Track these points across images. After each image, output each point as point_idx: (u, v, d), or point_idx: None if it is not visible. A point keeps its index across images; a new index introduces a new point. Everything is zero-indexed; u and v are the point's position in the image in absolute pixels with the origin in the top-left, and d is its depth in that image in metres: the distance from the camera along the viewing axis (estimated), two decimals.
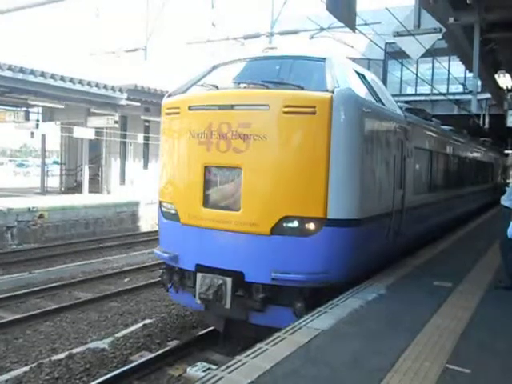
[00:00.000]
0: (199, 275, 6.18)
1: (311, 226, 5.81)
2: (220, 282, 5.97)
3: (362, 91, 6.66)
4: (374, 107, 6.78)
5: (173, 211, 6.63)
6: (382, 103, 7.37)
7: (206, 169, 6.24)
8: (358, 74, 7.21)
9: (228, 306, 5.97)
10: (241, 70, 7.05)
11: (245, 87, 6.36)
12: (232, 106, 6.10)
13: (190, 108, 6.43)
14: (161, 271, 7.05)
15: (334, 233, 5.82)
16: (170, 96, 7.06)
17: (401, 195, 7.74)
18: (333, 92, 5.84)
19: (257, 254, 5.91)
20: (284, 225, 5.81)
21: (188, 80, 7.18)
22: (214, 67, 7.27)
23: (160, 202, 6.99)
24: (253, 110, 6.01)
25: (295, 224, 5.83)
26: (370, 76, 7.80)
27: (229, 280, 5.95)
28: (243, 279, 5.95)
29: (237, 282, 5.96)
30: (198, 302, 6.20)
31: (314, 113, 5.76)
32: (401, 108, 8.63)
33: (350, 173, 5.95)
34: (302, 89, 6.00)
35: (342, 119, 5.82)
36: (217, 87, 6.55)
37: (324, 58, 6.59)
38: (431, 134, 10.61)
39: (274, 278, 5.77)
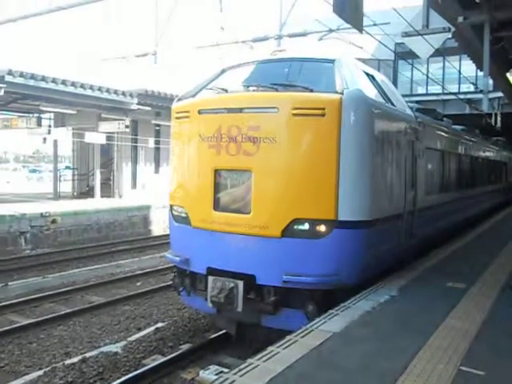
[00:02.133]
0: (210, 278, 6.19)
1: (322, 228, 5.80)
2: (231, 285, 5.97)
3: (371, 92, 6.64)
4: (383, 108, 6.76)
5: (183, 215, 6.66)
6: (392, 104, 7.34)
7: (217, 172, 6.26)
8: (368, 74, 7.19)
9: (240, 309, 5.97)
10: (250, 73, 7.10)
11: (254, 90, 6.38)
12: (241, 110, 6.13)
13: (199, 112, 6.48)
14: (172, 275, 7.07)
15: (345, 234, 5.79)
16: (179, 100, 7.11)
17: (412, 196, 7.69)
18: (342, 93, 5.84)
19: (268, 256, 5.90)
20: (295, 227, 5.81)
21: (197, 84, 7.23)
22: (223, 71, 7.31)
23: (171, 206, 7.03)
24: (262, 112, 6.04)
25: (306, 226, 5.82)
26: (379, 77, 7.78)
27: (240, 283, 5.95)
28: (255, 282, 5.95)
29: (248, 285, 5.96)
30: (210, 305, 6.21)
31: (323, 115, 5.76)
32: (411, 108, 8.58)
33: (360, 174, 5.93)
34: (311, 91, 6.01)
35: (351, 120, 5.81)
36: (226, 91, 6.58)
37: (333, 60, 6.59)
38: (442, 133, 10.51)
39: (286, 280, 5.76)
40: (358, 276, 6.08)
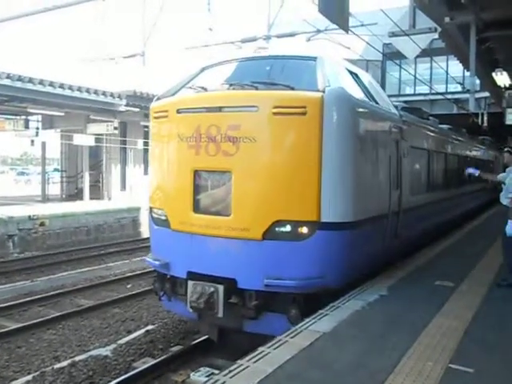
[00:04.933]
0: (190, 283, 6.01)
1: (304, 229, 5.66)
2: (212, 289, 5.80)
3: (354, 90, 6.51)
4: (367, 106, 6.63)
5: (163, 217, 6.47)
6: (376, 102, 7.20)
7: (196, 173, 6.10)
8: (351, 72, 7.05)
9: (221, 314, 5.80)
10: (230, 72, 6.91)
11: (233, 88, 6.21)
12: (220, 108, 5.96)
13: (178, 111, 6.30)
14: (153, 279, 6.89)
15: (328, 236, 5.66)
16: (158, 99, 6.91)
17: (397, 196, 7.54)
18: (324, 91, 5.69)
19: (249, 259, 5.75)
20: (276, 229, 5.66)
21: (177, 83, 7.02)
22: (203, 69, 7.12)
23: (150, 208, 6.85)
24: (242, 111, 5.88)
25: (288, 228, 5.68)
26: (363, 75, 7.62)
27: (221, 287, 5.78)
28: (236, 286, 5.80)
29: (229, 290, 5.80)
30: (190, 310, 6.05)
31: (304, 113, 5.60)
32: (396, 107, 8.48)
33: (343, 174, 5.79)
34: (293, 89, 5.85)
35: (333, 119, 5.67)
36: (205, 89, 6.40)
37: (315, 57, 6.45)
38: (428, 132, 10.42)
39: (267, 284, 5.61)
40: (342, 279, 5.96)
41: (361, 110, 6.32)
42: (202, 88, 6.44)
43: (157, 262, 6.53)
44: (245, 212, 5.78)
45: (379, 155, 6.90)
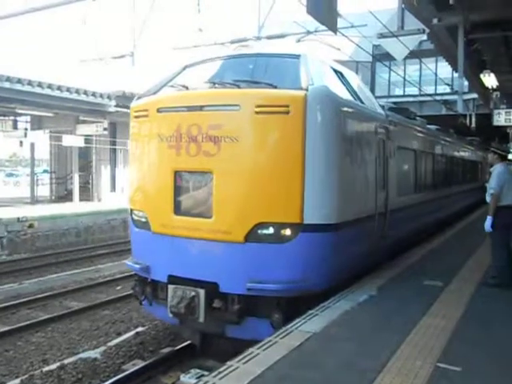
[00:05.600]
0: (171, 287, 5.83)
1: (287, 232, 5.52)
2: (192, 293, 5.62)
3: (339, 89, 6.38)
4: (351, 105, 6.49)
5: (143, 219, 6.31)
6: (362, 101, 7.08)
7: (177, 174, 5.94)
8: (336, 71, 6.91)
9: (202, 319, 5.63)
10: (213, 70, 6.76)
11: (215, 87, 6.09)
12: (201, 107, 5.80)
13: (158, 110, 6.15)
14: (134, 283, 6.69)
15: (312, 238, 5.54)
16: (139, 98, 6.76)
17: (383, 197, 7.44)
18: (307, 90, 5.56)
19: (231, 263, 5.60)
20: (259, 232, 5.52)
21: (158, 81, 6.86)
22: (186, 67, 6.94)
23: (131, 210, 6.67)
24: (223, 110, 5.72)
25: (270, 230, 5.54)
26: (348, 74, 7.47)
27: (202, 292, 5.60)
28: (218, 290, 5.63)
29: (211, 294, 5.63)
30: (170, 315, 5.87)
31: (287, 112, 5.47)
32: (382, 107, 8.39)
33: (326, 175, 5.67)
34: (275, 87, 5.71)
35: (317, 118, 5.55)
36: (187, 88, 6.24)
37: (298, 55, 6.32)
38: (415, 133, 10.31)
39: (250, 288, 5.46)
40: (327, 282, 5.82)
41: (345, 109, 6.20)
42: (184, 86, 6.27)
43: (137, 266, 6.36)
44: (226, 214, 5.64)
45: (364, 155, 6.77)
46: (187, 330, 6.55)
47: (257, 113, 5.53)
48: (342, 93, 6.44)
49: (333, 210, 5.73)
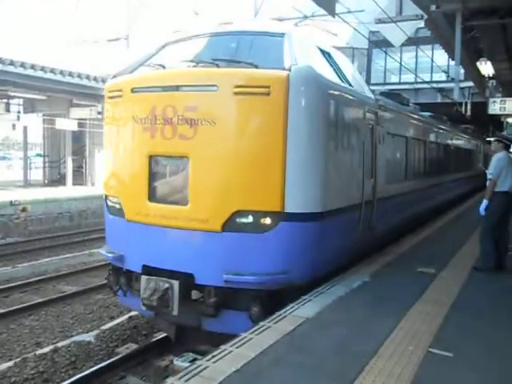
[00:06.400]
0: (143, 278, 5.53)
1: (267, 220, 5.23)
2: (166, 285, 5.32)
3: (325, 70, 6.04)
4: (338, 88, 6.15)
5: (118, 206, 6.00)
6: (350, 84, 6.72)
7: (151, 158, 5.62)
8: (323, 51, 6.55)
9: (176, 312, 5.34)
10: (193, 48, 6.39)
11: (193, 66, 5.77)
12: (177, 87, 5.45)
13: (132, 90, 5.78)
14: (107, 272, 6.42)
15: (293, 228, 5.25)
16: (114, 78, 6.36)
17: (371, 185, 7.13)
18: (290, 70, 5.23)
19: (207, 253, 5.32)
20: (237, 220, 5.22)
21: (135, 60, 6.53)
22: (164, 45, 6.59)
23: (105, 196, 6.36)
24: (200, 91, 5.39)
25: (249, 219, 5.24)
26: (337, 54, 7.10)
27: (176, 283, 5.31)
28: (193, 282, 5.37)
29: (186, 285, 5.38)
30: (143, 308, 5.60)
31: (268, 93, 5.13)
32: (373, 91, 8.09)
33: (309, 161, 5.37)
34: (256, 67, 5.37)
35: (300, 100, 5.23)
36: (163, 67, 5.91)
37: (283, 33, 5.97)
38: (406, 118, 9.94)
39: (227, 280, 5.18)
40: (309, 274, 5.57)
41: (331, 91, 5.87)
42: (160, 65, 5.93)
43: (111, 255, 6.06)
44: (203, 201, 5.33)
45: (351, 141, 6.48)
46: (162, 322, 6.33)
47: (235, 94, 5.20)
48: (329, 74, 6.12)
49: (316, 198, 5.46)
